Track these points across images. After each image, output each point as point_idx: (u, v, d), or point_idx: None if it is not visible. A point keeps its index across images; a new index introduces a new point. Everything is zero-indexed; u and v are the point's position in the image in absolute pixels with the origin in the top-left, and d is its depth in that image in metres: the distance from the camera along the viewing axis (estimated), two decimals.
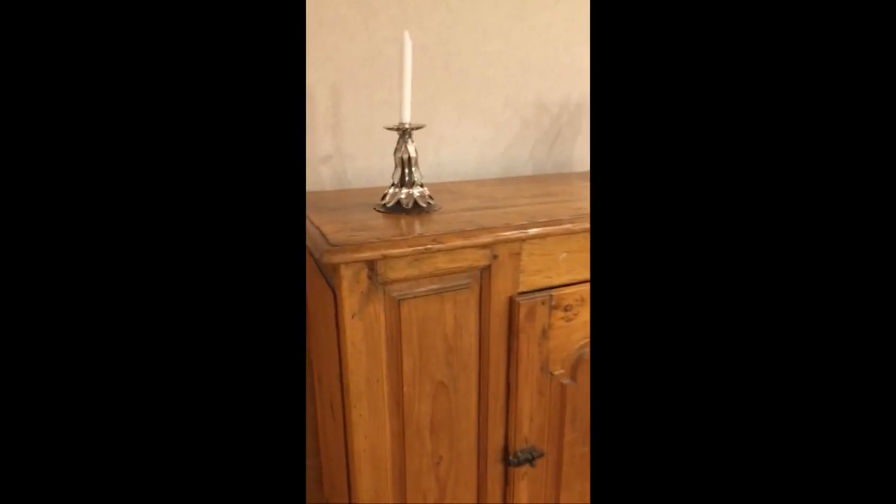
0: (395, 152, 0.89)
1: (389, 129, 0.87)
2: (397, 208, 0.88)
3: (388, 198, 0.89)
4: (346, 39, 1.08)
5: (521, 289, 0.83)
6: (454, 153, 1.25)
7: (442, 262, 0.76)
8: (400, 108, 0.87)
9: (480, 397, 0.85)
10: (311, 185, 1.13)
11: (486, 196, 1.01)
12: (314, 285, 0.93)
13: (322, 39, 1.06)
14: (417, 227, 0.79)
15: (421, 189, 0.90)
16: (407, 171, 0.88)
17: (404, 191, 0.88)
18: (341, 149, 1.14)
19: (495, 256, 0.80)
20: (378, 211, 0.88)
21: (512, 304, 0.83)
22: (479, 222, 0.81)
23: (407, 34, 0.84)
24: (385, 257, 0.71)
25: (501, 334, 0.84)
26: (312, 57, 1.07)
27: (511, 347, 0.85)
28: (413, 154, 0.88)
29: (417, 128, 0.88)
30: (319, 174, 1.13)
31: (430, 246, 0.73)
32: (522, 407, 0.88)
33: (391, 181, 0.90)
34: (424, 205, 0.89)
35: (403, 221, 0.82)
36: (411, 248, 0.72)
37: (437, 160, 1.23)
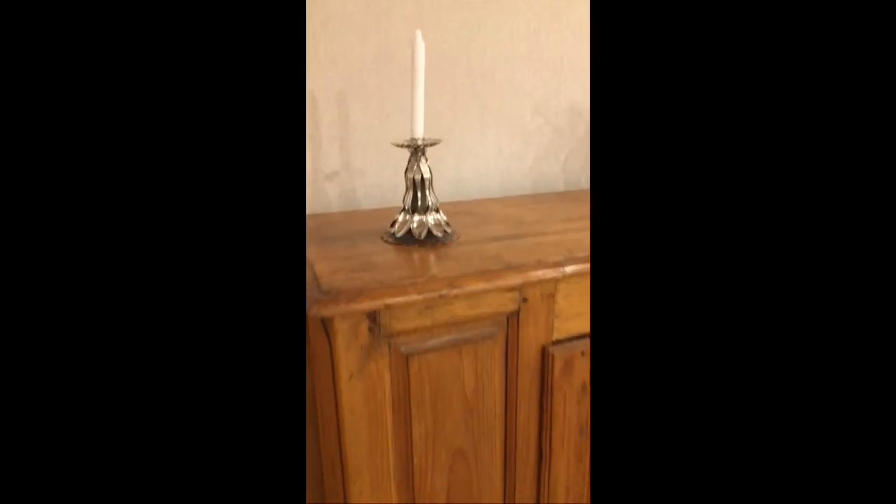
0: (406, 172, 0.75)
1: (400, 145, 0.74)
2: (408, 239, 0.74)
3: (397, 226, 0.76)
4: (355, 41, 0.95)
5: (556, 336, 0.69)
6: (477, 167, 1.11)
7: (460, 309, 0.62)
8: (411, 121, 0.74)
9: (507, 466, 0.71)
10: (314, 206, 1.01)
11: (513, 219, 0.88)
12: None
13: (327, 41, 0.94)
14: (431, 265, 0.65)
15: (436, 216, 0.76)
16: (420, 194, 0.75)
17: (416, 218, 0.75)
18: (349, 164, 1.01)
19: (525, 300, 0.66)
20: (386, 241, 0.75)
21: (545, 355, 0.69)
22: (506, 258, 0.67)
23: (419, 34, 0.71)
24: (389, 307, 0.58)
25: (532, 391, 0.70)
26: (315, 61, 0.94)
27: (544, 407, 0.70)
28: (427, 175, 0.75)
29: (432, 144, 0.75)
30: (325, 193, 1.01)
31: (445, 292, 0.60)
32: (557, 476, 0.73)
33: (402, 205, 0.77)
34: (440, 234, 0.75)
35: (416, 256, 0.69)
36: (422, 296, 0.59)
37: (458, 175, 1.10)
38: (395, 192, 1.05)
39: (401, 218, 0.76)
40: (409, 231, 0.75)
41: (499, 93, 1.08)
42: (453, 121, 1.06)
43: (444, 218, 0.78)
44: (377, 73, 0.98)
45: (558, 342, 0.69)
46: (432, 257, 0.69)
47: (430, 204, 0.76)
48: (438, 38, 1.00)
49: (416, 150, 0.75)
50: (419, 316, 0.61)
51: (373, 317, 0.58)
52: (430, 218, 0.76)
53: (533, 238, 0.76)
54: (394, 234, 0.76)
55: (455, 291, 0.60)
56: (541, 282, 0.65)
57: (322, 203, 1.01)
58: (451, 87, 1.04)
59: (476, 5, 1.02)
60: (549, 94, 1.13)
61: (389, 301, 0.57)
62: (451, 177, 1.09)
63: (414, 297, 0.58)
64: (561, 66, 1.12)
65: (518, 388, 0.69)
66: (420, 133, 0.74)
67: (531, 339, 0.67)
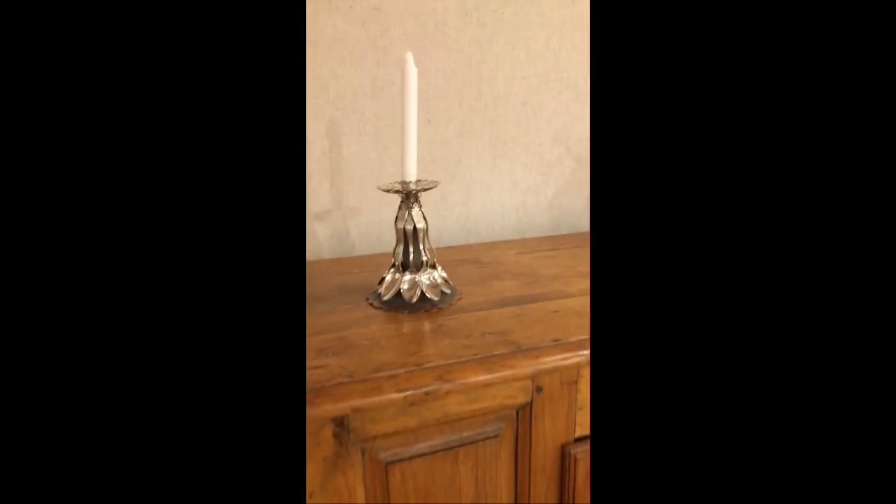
0: (395, 221, 0.62)
1: (387, 190, 0.61)
2: (398, 302, 0.61)
3: (384, 286, 0.63)
4: (348, 63, 0.84)
5: (580, 433, 0.55)
6: (488, 203, 0.98)
7: (455, 404, 0.49)
8: (402, 160, 0.61)
9: None
10: None
11: (527, 273, 0.74)
12: None
13: (316, 64, 0.82)
14: (422, 343, 0.52)
15: (432, 274, 0.63)
16: (412, 248, 0.62)
17: (407, 277, 0.62)
18: (342, 202, 0.89)
19: (539, 389, 0.52)
20: (372, 305, 0.62)
21: (565, 456, 0.54)
22: (515, 334, 0.53)
23: (409, 57, 0.58)
24: (358, 410, 0.45)
25: (549, 499, 0.55)
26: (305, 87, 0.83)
27: None
28: (420, 224, 0.62)
29: (426, 189, 0.62)
30: (314, 235, 0.89)
31: (433, 388, 0.46)
32: None
33: (392, 259, 0.64)
34: (436, 297, 0.62)
35: (405, 328, 0.56)
36: (401, 394, 0.45)
37: (467, 212, 0.97)
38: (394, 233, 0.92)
39: (389, 276, 0.63)
40: (399, 293, 0.61)
41: (513, 120, 0.95)
42: (461, 150, 0.93)
43: (443, 275, 0.65)
44: (373, 99, 0.86)
45: (581, 439, 0.55)
46: (426, 328, 0.56)
47: (424, 259, 0.62)
48: (445, 57, 0.88)
49: (408, 196, 0.62)
50: (401, 415, 0.47)
51: (339, 421, 0.45)
52: (425, 277, 0.62)
53: (551, 303, 0.62)
54: (380, 295, 0.63)
55: (447, 386, 0.47)
56: (559, 368, 0.51)
57: (311, 246, 0.89)
58: (458, 113, 0.92)
59: (487, 20, 0.89)
60: (570, 120, 0.99)
61: (359, 403, 0.44)
62: (458, 214, 0.96)
63: (392, 395, 0.45)
64: (584, 88, 0.99)
65: (531, 498, 0.54)
66: (412, 174, 0.61)
67: (547, 437, 0.53)
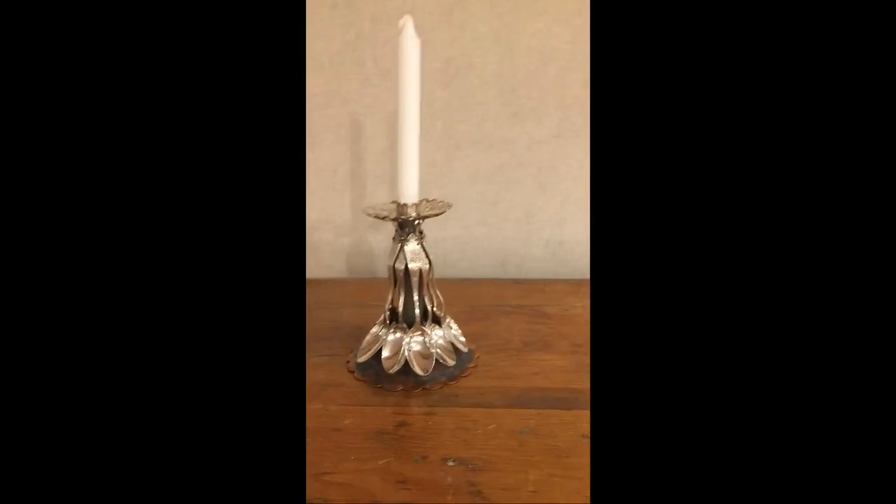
0: (389, 256, 0.45)
1: (373, 216, 0.44)
2: (372, 368, 0.44)
3: (363, 343, 0.46)
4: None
5: None
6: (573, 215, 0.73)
7: None
8: (397, 173, 0.44)
9: None
10: (316, 268, 0.76)
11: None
12: None
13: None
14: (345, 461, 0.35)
15: (429, 335, 0.45)
16: (404, 296, 0.44)
17: (391, 338, 0.45)
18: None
19: None
20: (351, 373, 0.46)
21: None
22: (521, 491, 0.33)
23: (409, 23, 0.40)
24: None
25: None
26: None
27: None
28: (416, 265, 0.44)
29: (434, 215, 0.44)
30: (323, 250, 0.76)
31: None
32: None
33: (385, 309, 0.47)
34: (423, 371, 0.43)
35: (349, 419, 0.39)
36: None
37: (560, 236, 0.74)
38: (465, 252, 0.75)
39: (371, 334, 0.46)
40: (379, 356, 0.44)
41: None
42: (557, 155, 0.71)
43: (450, 336, 0.46)
44: (444, 87, 0.69)
45: None
46: (373, 428, 0.38)
47: (418, 313, 0.44)
48: (543, 29, 0.67)
49: (403, 226, 0.44)
50: None
51: None
52: (416, 340, 0.44)
53: None
54: (357, 360, 0.46)
55: None
56: None
57: (327, 264, 0.76)
58: (558, 106, 0.69)
59: None
60: None
61: None
62: (549, 238, 0.74)
63: None
64: None
65: None
66: (411, 194, 0.43)
67: None
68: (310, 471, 0.34)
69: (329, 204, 0.74)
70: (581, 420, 0.38)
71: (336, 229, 0.75)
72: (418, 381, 0.43)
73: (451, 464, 0.34)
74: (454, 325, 0.47)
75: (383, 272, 0.53)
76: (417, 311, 0.44)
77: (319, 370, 0.46)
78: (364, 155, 0.72)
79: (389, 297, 0.45)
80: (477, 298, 0.62)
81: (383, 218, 0.43)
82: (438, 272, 0.74)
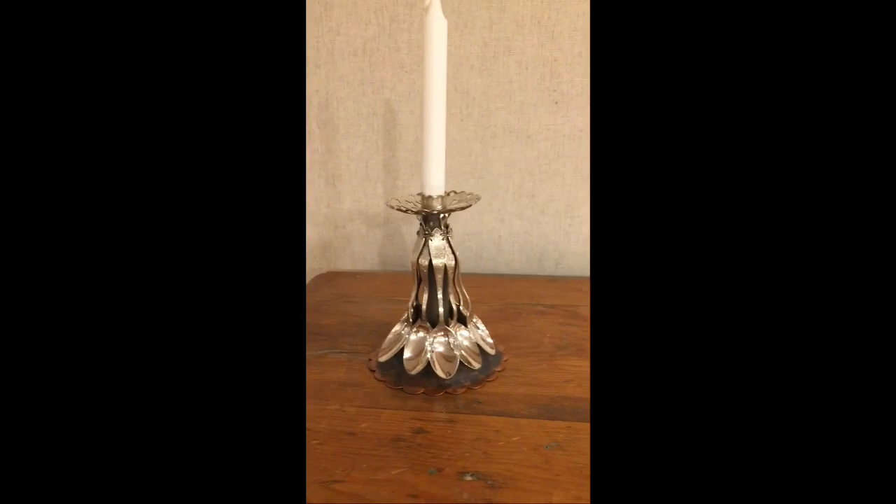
0: (413, 251, 0.43)
1: (395, 207, 0.42)
2: (394, 368, 0.42)
3: (385, 342, 0.44)
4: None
5: None
6: None
7: None
8: (422, 164, 0.41)
9: None
10: (344, 258, 0.75)
11: None
12: None
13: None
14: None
15: (453, 335, 0.42)
16: (428, 294, 0.42)
17: (414, 337, 0.42)
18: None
19: None
20: (372, 372, 0.44)
21: None
22: None
23: (436, 4, 0.37)
24: None
25: None
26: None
27: None
28: (441, 261, 0.41)
29: (462, 207, 0.41)
30: (358, 240, 0.74)
31: None
32: None
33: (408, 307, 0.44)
34: (446, 374, 0.41)
35: (378, 434, 0.37)
36: None
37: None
38: (512, 244, 0.71)
39: (396, 328, 0.44)
40: (400, 356, 0.42)
41: None
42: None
43: (476, 336, 0.43)
44: (481, 74, 0.66)
45: None
46: (374, 436, 0.36)
47: (441, 311, 0.42)
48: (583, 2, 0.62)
49: (428, 220, 0.42)
50: None
51: None
52: (439, 340, 0.42)
53: None
54: (379, 360, 0.44)
55: None
56: None
57: (360, 255, 0.74)
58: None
59: None
60: None
61: None
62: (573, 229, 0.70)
63: None
64: None
65: None
66: (437, 186, 0.41)
67: None
68: (319, 477, 0.32)
69: (362, 195, 0.73)
70: None
71: (369, 220, 0.74)
72: (441, 385, 0.40)
73: (468, 478, 0.32)
74: (481, 325, 0.45)
75: None
76: (442, 309, 0.42)
77: (339, 368, 0.44)
78: (398, 144, 0.70)
79: (413, 295, 0.43)
80: (509, 296, 0.59)
81: (406, 211, 0.41)
82: (471, 267, 0.72)
